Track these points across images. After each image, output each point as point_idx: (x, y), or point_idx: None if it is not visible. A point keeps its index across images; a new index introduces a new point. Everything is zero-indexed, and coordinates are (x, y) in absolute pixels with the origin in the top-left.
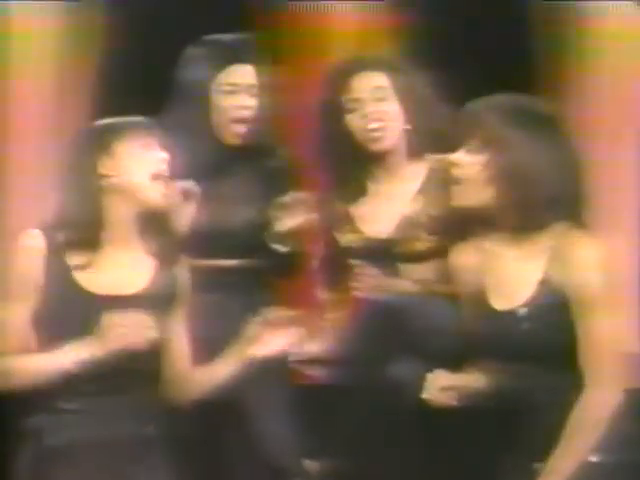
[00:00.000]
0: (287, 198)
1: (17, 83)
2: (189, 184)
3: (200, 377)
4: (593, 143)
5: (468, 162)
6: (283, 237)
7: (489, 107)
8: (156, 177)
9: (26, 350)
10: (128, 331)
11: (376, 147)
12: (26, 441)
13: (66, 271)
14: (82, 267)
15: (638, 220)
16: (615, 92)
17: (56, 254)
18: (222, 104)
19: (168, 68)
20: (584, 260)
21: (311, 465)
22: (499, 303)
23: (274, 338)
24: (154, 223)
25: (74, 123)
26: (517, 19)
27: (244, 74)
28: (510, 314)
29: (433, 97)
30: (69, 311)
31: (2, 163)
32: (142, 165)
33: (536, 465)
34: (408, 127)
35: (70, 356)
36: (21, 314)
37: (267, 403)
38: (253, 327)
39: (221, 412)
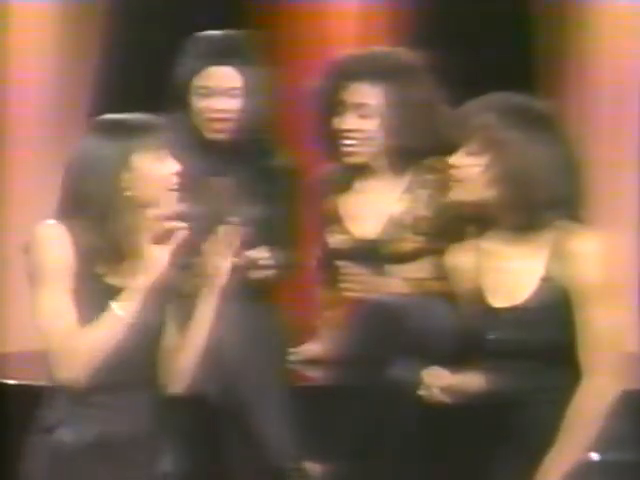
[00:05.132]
0: (254, 253)
1: (16, 74)
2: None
3: (189, 337)
4: (593, 141)
5: (468, 164)
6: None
7: (488, 108)
8: (170, 191)
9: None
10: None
11: (348, 161)
12: (42, 434)
13: (89, 264)
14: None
15: (638, 217)
16: (615, 88)
17: (79, 245)
18: (198, 106)
19: (166, 61)
20: (583, 253)
21: (311, 466)
22: (498, 301)
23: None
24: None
25: (74, 118)
26: (517, 14)
27: (220, 77)
28: (511, 311)
29: (430, 107)
30: (88, 301)
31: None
32: (158, 179)
33: (535, 461)
34: (392, 143)
35: (125, 305)
36: (61, 297)
37: (267, 404)
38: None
39: (221, 413)
